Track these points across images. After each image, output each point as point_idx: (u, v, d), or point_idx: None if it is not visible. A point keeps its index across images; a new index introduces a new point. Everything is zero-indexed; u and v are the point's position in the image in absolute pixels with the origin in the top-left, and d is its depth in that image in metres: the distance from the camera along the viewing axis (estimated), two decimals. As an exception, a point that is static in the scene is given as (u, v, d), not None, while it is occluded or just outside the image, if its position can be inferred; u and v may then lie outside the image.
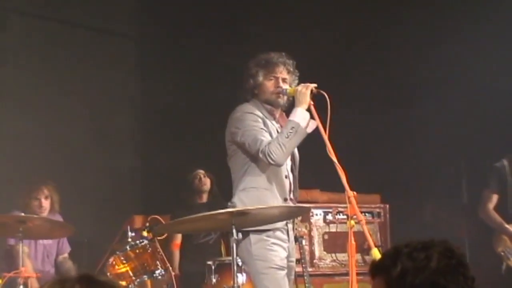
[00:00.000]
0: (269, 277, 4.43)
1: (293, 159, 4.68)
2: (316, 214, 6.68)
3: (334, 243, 6.63)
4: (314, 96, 4.47)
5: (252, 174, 4.54)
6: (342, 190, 4.14)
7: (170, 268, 5.77)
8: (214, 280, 5.95)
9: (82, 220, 6.41)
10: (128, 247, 5.56)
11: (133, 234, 5.68)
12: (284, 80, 4.64)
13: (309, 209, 4.72)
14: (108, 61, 7.95)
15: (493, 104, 7.08)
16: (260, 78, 4.64)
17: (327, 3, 7.61)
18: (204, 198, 7.16)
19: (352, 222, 4.06)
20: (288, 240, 4.57)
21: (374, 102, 7.42)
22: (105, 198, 7.49)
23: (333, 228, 6.64)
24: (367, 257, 5.94)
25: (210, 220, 4.37)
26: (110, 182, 7.67)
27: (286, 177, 4.60)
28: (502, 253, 6.64)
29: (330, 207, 6.66)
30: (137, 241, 5.59)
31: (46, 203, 6.35)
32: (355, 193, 4.10)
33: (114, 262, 5.56)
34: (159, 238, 5.72)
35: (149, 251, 5.58)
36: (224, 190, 5.94)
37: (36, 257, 6.36)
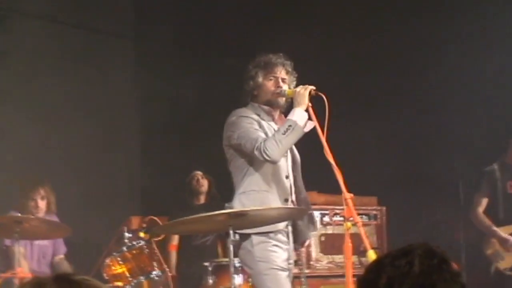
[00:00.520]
0: (271, 278, 4.43)
1: (293, 160, 4.68)
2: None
3: (331, 245, 6.63)
4: (313, 98, 4.48)
5: (251, 177, 4.54)
6: (339, 192, 4.15)
7: (167, 269, 5.77)
8: (210, 282, 5.95)
9: (79, 221, 6.39)
10: (125, 248, 5.56)
11: (130, 235, 5.68)
12: (283, 80, 4.65)
13: (308, 210, 4.71)
14: (108, 62, 7.94)
15: (491, 108, 7.10)
16: (260, 79, 4.64)
17: (326, 3, 7.60)
18: (202, 199, 7.15)
19: (349, 224, 4.07)
20: (288, 243, 4.57)
21: (372, 105, 7.41)
22: (102, 199, 7.48)
23: (330, 230, 6.64)
24: (363, 259, 5.92)
25: (208, 222, 4.37)
26: (107, 183, 7.66)
27: (286, 177, 4.60)
28: (491, 256, 6.71)
29: (327, 209, 6.66)
30: (134, 242, 5.59)
31: (42, 204, 6.35)
32: (352, 195, 4.11)
33: (111, 263, 5.56)
34: (156, 239, 5.72)
35: (146, 252, 5.58)
36: (224, 193, 5.93)
37: (32, 258, 6.34)
